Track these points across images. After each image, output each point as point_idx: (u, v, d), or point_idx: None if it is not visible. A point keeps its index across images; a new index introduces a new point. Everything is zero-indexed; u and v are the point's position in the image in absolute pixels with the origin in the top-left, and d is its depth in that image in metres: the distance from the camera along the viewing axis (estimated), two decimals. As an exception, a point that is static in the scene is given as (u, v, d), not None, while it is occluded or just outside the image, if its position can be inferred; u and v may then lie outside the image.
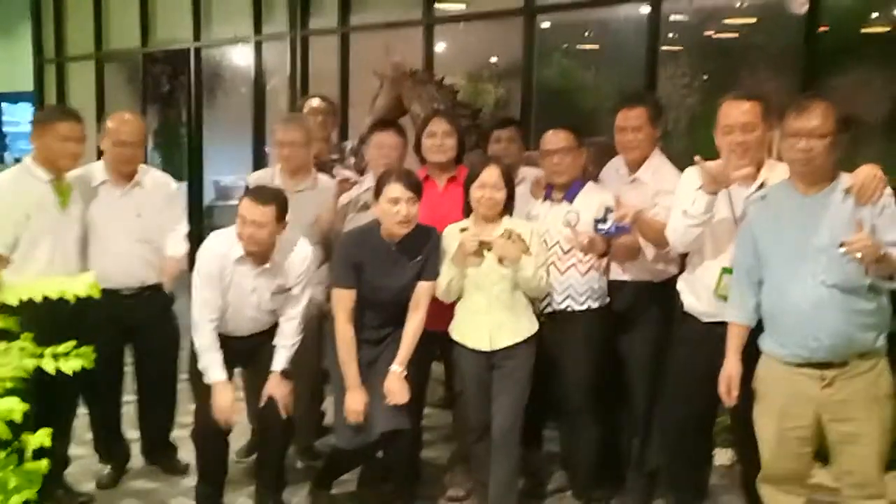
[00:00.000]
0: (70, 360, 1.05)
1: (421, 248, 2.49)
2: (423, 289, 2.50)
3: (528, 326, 2.51)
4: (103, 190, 2.74)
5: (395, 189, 2.40)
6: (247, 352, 2.66)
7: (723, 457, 3.02)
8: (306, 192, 2.97)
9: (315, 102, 3.37)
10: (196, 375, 2.59)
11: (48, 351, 1.07)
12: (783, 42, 3.72)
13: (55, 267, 2.50)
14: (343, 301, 2.48)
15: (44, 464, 1.00)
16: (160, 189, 2.87)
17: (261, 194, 2.49)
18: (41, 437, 1.04)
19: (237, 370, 2.73)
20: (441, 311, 2.59)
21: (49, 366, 1.06)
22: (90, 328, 2.56)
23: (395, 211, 2.39)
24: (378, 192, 2.45)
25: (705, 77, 3.96)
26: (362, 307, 2.51)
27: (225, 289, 2.53)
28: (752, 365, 2.14)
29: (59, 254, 2.56)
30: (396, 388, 2.43)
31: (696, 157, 2.22)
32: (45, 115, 2.64)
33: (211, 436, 2.54)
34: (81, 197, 2.67)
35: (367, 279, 2.48)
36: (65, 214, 2.59)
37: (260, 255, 2.52)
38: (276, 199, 2.49)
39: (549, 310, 2.59)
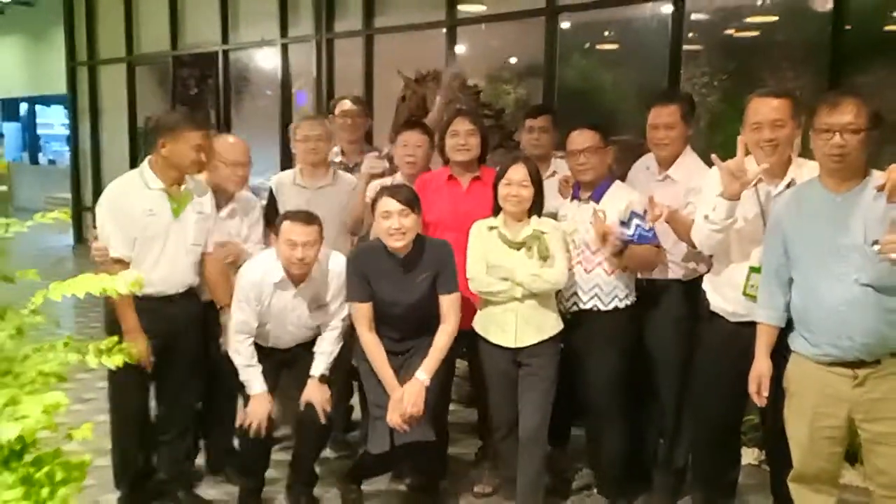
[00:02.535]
0: (113, 355, 1.09)
1: (429, 263, 2.49)
2: (447, 302, 2.50)
3: (553, 324, 2.51)
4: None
5: (386, 203, 2.43)
6: (288, 360, 2.72)
7: (750, 456, 3.00)
8: (326, 189, 3.02)
9: (347, 105, 3.40)
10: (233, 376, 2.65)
11: (91, 346, 1.11)
12: (807, 40, 3.66)
13: (159, 273, 2.50)
14: (361, 313, 2.52)
15: (88, 458, 1.04)
16: (250, 212, 2.85)
17: (303, 216, 2.53)
18: (85, 432, 1.08)
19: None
20: (465, 310, 2.60)
21: (93, 362, 1.10)
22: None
23: (387, 225, 2.42)
24: (373, 209, 2.49)
25: (727, 76, 3.92)
26: (380, 323, 2.53)
27: (265, 312, 2.58)
28: (782, 364, 2.12)
29: (166, 261, 2.52)
30: (414, 396, 2.41)
31: (713, 157, 2.20)
32: (175, 122, 2.51)
33: (253, 435, 2.59)
34: (197, 205, 2.60)
35: (378, 296, 2.50)
36: (177, 223, 2.53)
37: (301, 274, 2.56)
38: (317, 218, 2.55)
39: (574, 309, 2.59)
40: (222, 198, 2.76)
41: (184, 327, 2.61)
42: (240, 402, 2.71)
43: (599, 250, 2.52)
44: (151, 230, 2.49)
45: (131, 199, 2.50)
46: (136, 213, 2.48)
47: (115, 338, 1.17)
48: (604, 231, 2.42)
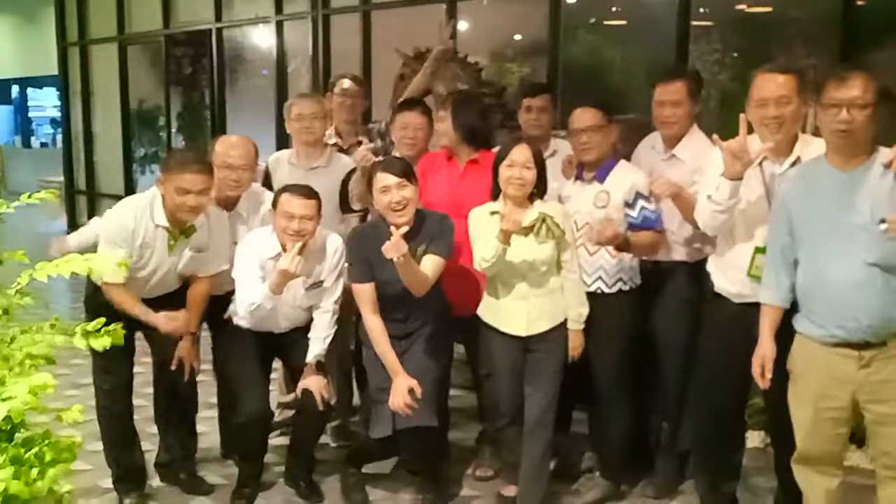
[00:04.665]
0: (100, 337, 1.06)
1: (426, 235, 2.45)
2: (428, 261, 2.42)
3: (562, 310, 2.47)
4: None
5: (382, 178, 2.40)
6: (283, 346, 2.69)
7: (755, 439, 2.99)
8: (320, 169, 2.96)
9: (346, 84, 3.32)
10: (229, 359, 2.65)
11: (79, 328, 1.08)
12: (818, 16, 3.60)
13: (140, 292, 2.49)
14: (364, 295, 2.49)
15: (78, 439, 1.01)
16: (255, 211, 2.76)
17: (302, 189, 2.50)
18: (75, 414, 1.05)
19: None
20: (464, 296, 2.57)
21: (80, 343, 1.07)
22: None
23: (387, 200, 2.39)
24: (370, 186, 2.46)
25: (737, 53, 3.85)
26: (383, 306, 2.50)
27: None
28: (786, 346, 2.09)
29: (154, 279, 2.53)
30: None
31: (714, 137, 2.16)
32: (170, 164, 2.47)
33: (253, 418, 2.57)
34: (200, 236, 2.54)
35: (380, 276, 2.46)
36: (170, 257, 2.51)
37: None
38: (316, 194, 2.52)
39: (578, 291, 2.55)
40: (225, 206, 2.66)
41: (165, 308, 2.54)
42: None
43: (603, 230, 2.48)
44: (143, 262, 2.47)
45: (133, 231, 2.45)
46: (134, 246, 2.45)
47: (102, 319, 1.13)
48: (599, 232, 2.39)
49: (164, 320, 2.42)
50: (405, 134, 2.86)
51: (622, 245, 2.42)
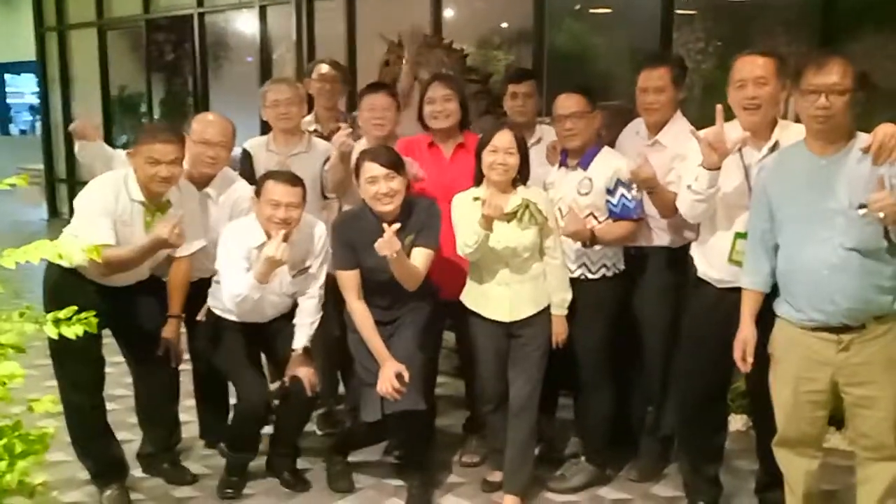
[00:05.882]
0: (72, 325, 1.04)
1: (415, 224, 2.44)
2: (418, 255, 2.42)
3: (546, 296, 2.48)
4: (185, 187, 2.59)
5: (370, 168, 2.38)
6: (268, 336, 2.67)
7: (737, 422, 3.03)
8: (300, 156, 2.92)
9: (324, 69, 3.25)
10: (219, 353, 2.62)
11: (50, 316, 1.06)
12: (800, 4, 3.61)
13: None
14: (348, 282, 2.47)
15: (50, 430, 0.99)
16: (225, 192, 2.71)
17: (287, 176, 2.47)
18: (47, 404, 1.03)
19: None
20: (453, 280, 2.56)
21: (51, 332, 1.05)
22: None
23: (374, 190, 2.37)
24: (357, 175, 2.44)
25: (720, 41, 3.86)
26: (368, 292, 2.49)
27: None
28: (767, 330, 2.11)
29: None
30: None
31: (691, 129, 2.17)
32: (140, 135, 2.45)
33: (253, 408, 2.56)
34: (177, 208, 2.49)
35: (365, 263, 2.44)
36: (147, 233, 2.43)
37: (283, 237, 2.47)
38: (301, 181, 2.49)
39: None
40: (197, 184, 2.63)
41: (134, 297, 2.53)
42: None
43: (589, 216, 2.48)
44: (119, 239, 2.40)
45: (113, 200, 2.40)
46: (114, 214, 2.39)
47: (74, 307, 1.11)
48: (572, 226, 2.40)
49: (165, 228, 2.34)
50: (372, 115, 2.78)
51: (588, 240, 2.43)
